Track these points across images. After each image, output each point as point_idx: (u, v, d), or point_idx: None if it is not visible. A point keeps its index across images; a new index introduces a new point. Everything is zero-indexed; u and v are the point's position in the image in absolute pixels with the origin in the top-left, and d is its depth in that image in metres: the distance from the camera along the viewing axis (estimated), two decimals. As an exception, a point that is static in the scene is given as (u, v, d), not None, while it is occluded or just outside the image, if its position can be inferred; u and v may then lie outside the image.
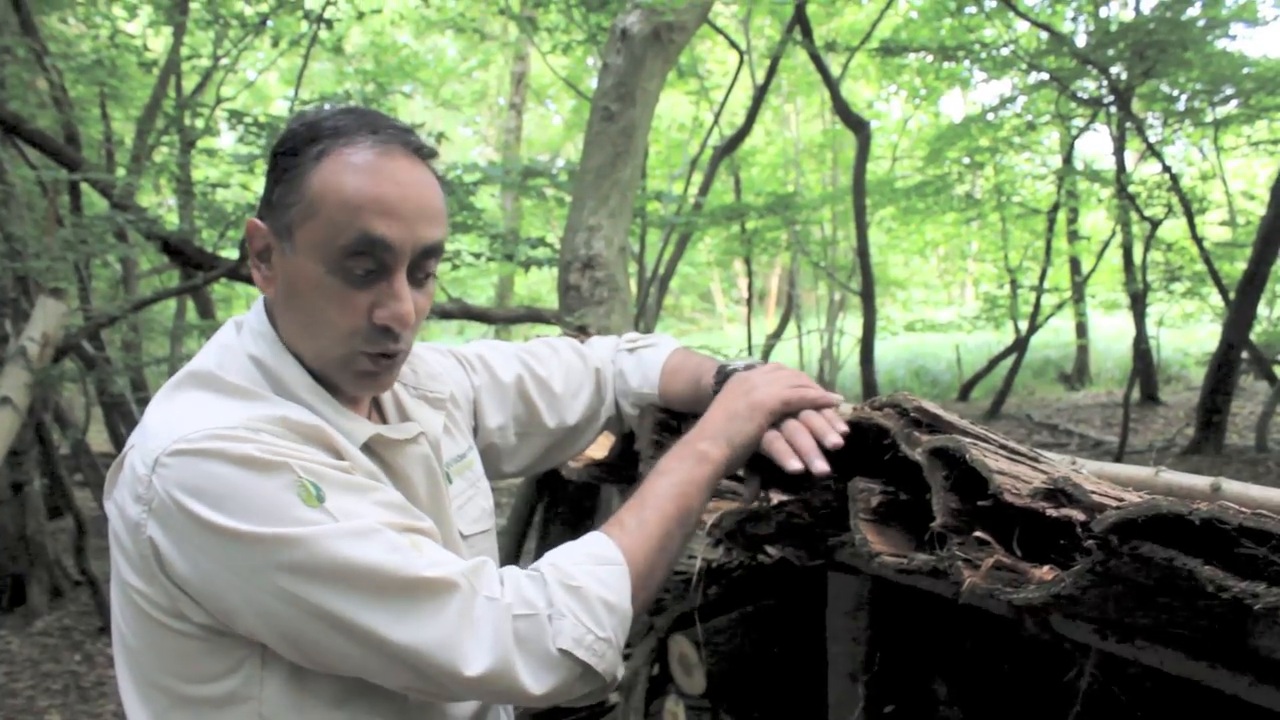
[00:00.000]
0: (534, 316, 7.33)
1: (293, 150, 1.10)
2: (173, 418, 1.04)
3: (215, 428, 1.01)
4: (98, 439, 10.41)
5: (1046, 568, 0.91)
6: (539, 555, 1.16)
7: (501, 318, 7.50)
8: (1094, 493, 0.88)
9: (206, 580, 1.00)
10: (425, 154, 1.14)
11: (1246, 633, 0.85)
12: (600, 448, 1.70)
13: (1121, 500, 0.86)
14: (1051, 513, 0.90)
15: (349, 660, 1.03)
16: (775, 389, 1.29)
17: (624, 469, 1.76)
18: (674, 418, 1.52)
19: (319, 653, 1.03)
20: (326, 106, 1.15)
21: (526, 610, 1.05)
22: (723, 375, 1.39)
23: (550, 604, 1.06)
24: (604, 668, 1.07)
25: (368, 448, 1.15)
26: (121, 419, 8.71)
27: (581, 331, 1.76)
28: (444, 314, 6.70)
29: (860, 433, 1.22)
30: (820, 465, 1.21)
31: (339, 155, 1.08)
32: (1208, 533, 0.77)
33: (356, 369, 1.13)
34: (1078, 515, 0.88)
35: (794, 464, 1.22)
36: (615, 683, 1.12)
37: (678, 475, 1.21)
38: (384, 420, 1.26)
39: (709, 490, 1.23)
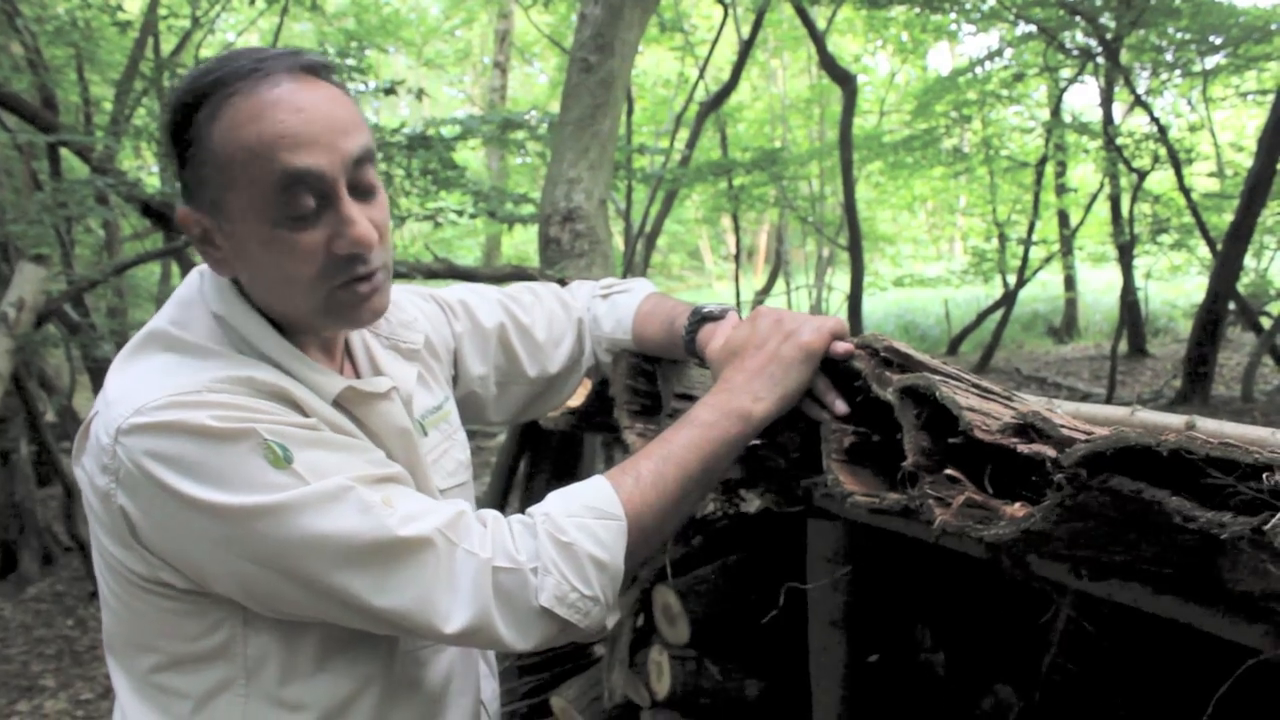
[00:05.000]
0: (520, 275, 7.29)
1: (185, 122, 1.02)
2: (133, 384, 1.02)
3: (174, 393, 0.98)
4: (84, 405, 10.38)
5: (1018, 504, 0.91)
6: (523, 511, 1.13)
7: (488, 276, 7.44)
8: (1064, 428, 0.87)
9: (180, 548, 1.00)
10: (318, 70, 1.05)
11: (1216, 565, 0.85)
12: (576, 396, 1.68)
13: (1091, 435, 0.85)
14: (1022, 448, 0.89)
15: (330, 617, 1.03)
16: (813, 327, 1.21)
17: (600, 416, 1.74)
18: (648, 362, 1.51)
19: (300, 612, 1.04)
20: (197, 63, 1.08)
21: (508, 564, 1.03)
22: (697, 318, 1.36)
23: (536, 557, 1.04)
24: (588, 624, 1.05)
25: (338, 404, 1.11)
26: (108, 385, 8.66)
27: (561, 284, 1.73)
28: (431, 273, 6.67)
29: (833, 374, 1.21)
30: (842, 406, 1.18)
31: (229, 108, 1.00)
32: (1178, 466, 0.76)
33: (342, 304, 1.07)
34: (1048, 451, 0.86)
35: (842, 405, 1.18)
36: (605, 631, 1.11)
37: (712, 432, 1.16)
38: (356, 373, 1.22)
39: (740, 449, 1.19)
